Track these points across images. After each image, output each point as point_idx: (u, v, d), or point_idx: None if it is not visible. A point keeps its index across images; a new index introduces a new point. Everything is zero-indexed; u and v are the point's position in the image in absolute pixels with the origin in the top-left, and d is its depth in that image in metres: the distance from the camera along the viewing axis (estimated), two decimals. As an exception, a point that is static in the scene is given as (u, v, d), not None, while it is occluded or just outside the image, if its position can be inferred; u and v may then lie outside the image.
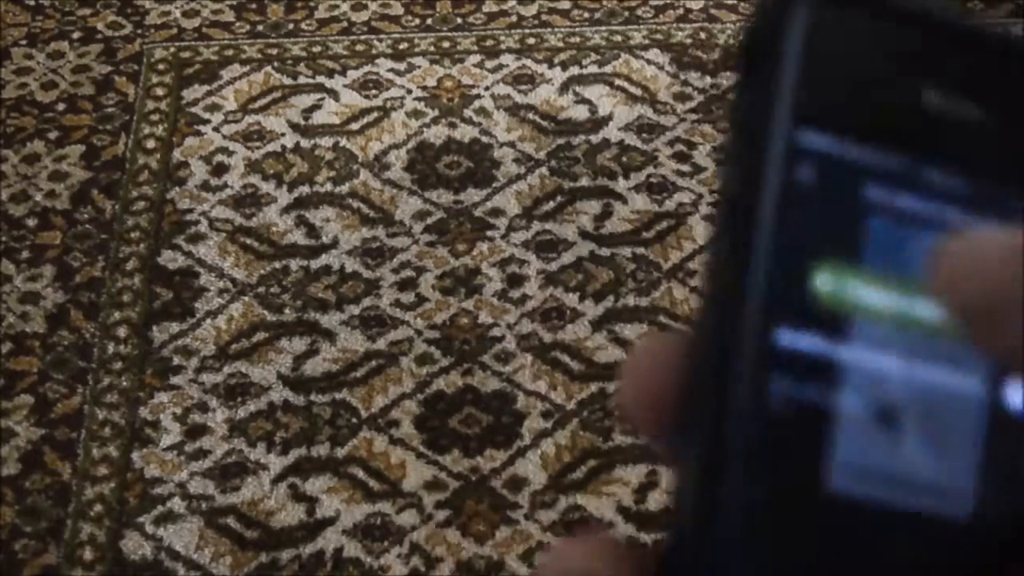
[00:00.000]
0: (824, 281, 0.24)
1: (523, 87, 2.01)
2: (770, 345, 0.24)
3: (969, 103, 0.25)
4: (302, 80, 2.03)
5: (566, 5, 2.14)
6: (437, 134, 1.94)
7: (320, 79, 2.02)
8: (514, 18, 2.12)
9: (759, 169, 0.24)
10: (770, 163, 0.24)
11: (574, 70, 2.03)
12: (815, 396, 0.24)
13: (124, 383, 1.65)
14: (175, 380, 1.65)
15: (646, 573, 0.25)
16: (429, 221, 1.83)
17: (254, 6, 2.15)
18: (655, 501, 1.54)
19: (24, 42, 2.08)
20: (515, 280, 1.76)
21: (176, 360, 1.67)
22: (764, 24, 0.25)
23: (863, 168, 0.25)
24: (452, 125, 1.96)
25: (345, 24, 2.12)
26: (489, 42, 2.09)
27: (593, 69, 2.04)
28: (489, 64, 2.05)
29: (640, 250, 1.79)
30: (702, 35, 2.08)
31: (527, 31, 2.10)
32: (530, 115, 1.97)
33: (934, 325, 0.24)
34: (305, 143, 1.93)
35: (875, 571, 0.24)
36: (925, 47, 0.25)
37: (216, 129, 1.95)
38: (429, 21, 2.12)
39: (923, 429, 0.24)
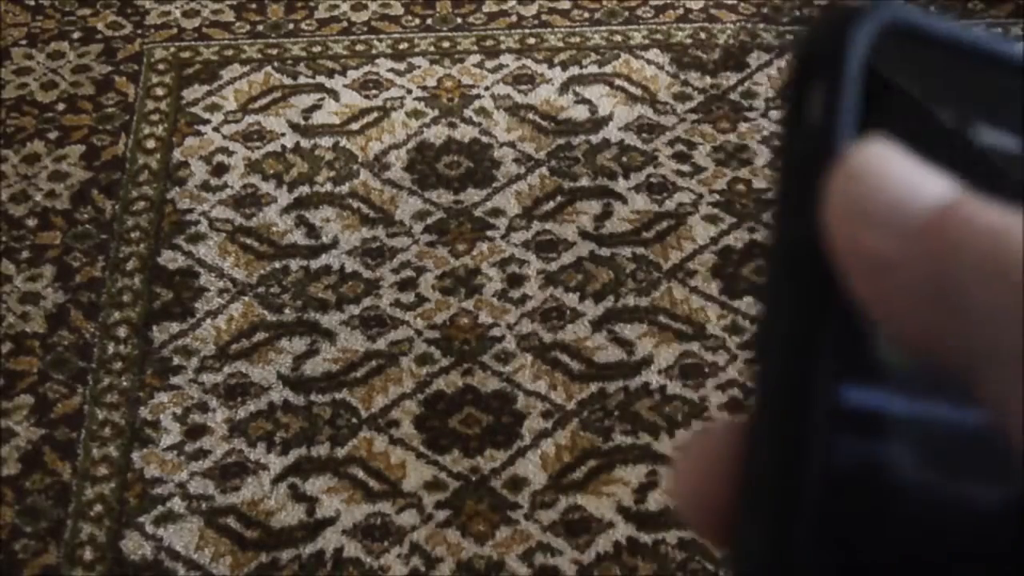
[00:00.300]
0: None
1: (523, 87, 2.01)
2: (837, 404, 0.23)
3: None
4: (302, 80, 2.03)
5: (566, 5, 2.14)
6: (437, 134, 1.94)
7: (320, 79, 2.02)
8: (514, 18, 2.12)
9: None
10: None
11: (574, 70, 2.03)
12: (880, 451, 0.23)
13: (124, 383, 1.65)
14: (175, 380, 1.65)
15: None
16: (429, 221, 1.83)
17: (254, 6, 2.15)
18: (655, 501, 1.54)
19: (24, 42, 2.08)
20: (515, 280, 1.76)
21: (176, 360, 1.67)
22: (821, 49, 0.23)
23: None
24: (452, 125, 1.96)
25: (345, 24, 2.12)
26: (489, 42, 2.09)
27: (593, 69, 2.04)
28: (489, 64, 2.05)
29: (640, 250, 1.79)
30: (702, 35, 2.08)
31: (527, 31, 2.10)
32: (530, 115, 1.97)
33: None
34: (305, 143, 1.93)
35: None
36: (994, 86, 0.24)
37: (216, 129, 1.95)
38: (429, 21, 2.12)
39: (977, 469, 0.23)
